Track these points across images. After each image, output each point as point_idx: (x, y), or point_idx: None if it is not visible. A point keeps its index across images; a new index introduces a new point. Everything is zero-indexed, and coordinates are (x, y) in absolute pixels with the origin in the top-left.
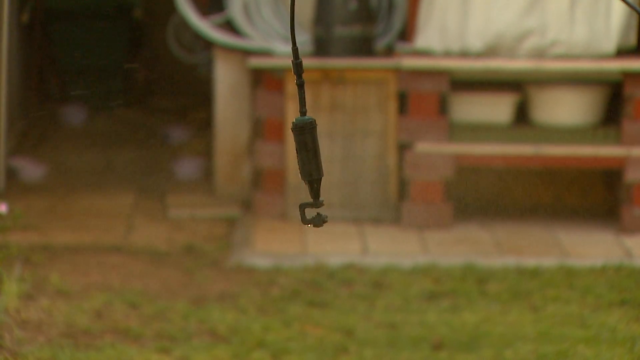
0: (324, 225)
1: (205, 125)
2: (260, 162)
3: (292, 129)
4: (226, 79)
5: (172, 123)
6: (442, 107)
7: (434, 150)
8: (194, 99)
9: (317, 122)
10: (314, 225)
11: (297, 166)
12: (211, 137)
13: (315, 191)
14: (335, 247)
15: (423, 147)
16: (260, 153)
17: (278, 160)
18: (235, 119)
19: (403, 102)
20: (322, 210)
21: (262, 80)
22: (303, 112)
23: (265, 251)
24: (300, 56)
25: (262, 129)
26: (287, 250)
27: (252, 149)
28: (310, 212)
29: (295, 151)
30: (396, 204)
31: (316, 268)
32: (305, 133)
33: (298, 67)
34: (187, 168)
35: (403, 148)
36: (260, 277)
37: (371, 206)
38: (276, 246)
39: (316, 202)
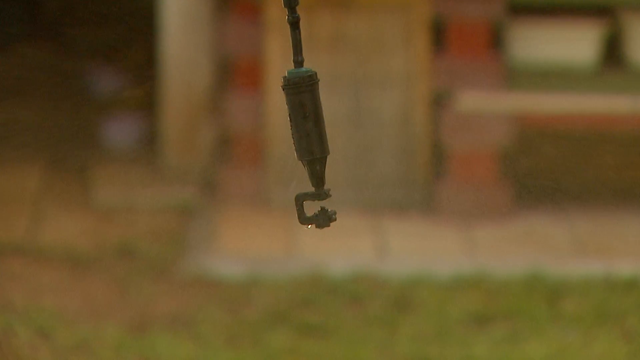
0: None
1: (146, 68)
2: (229, 123)
3: (284, 87)
4: (177, 1)
5: (97, 66)
6: (496, 43)
7: (484, 105)
8: (129, 30)
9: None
10: (317, 226)
11: (288, 135)
12: (155, 87)
13: (317, 176)
14: (339, 246)
15: (467, 101)
16: (229, 110)
17: (254, 121)
18: (191, 60)
19: (438, 35)
20: (329, 203)
21: (231, 3)
22: (299, 62)
23: (235, 254)
24: None
25: (230, 75)
26: (269, 251)
27: (216, 103)
28: (311, 206)
29: (288, 118)
30: (427, 184)
31: (311, 278)
32: (303, 92)
33: None
34: (120, 132)
35: (438, 103)
36: (228, 291)
37: (391, 187)
38: (252, 246)
39: (319, 192)
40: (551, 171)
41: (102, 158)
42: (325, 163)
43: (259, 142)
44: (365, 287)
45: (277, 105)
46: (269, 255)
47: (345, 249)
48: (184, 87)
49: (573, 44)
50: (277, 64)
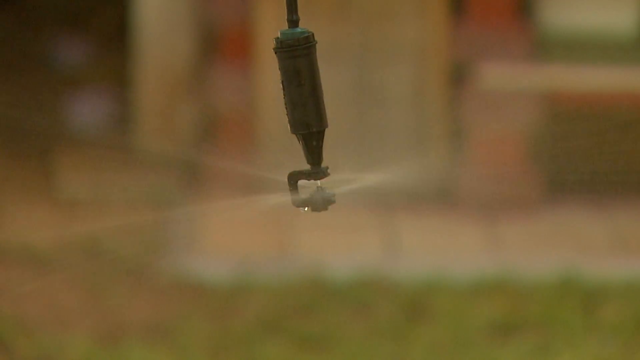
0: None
1: (117, 37)
2: (214, 101)
3: (277, 50)
4: None
5: (62, 34)
6: (525, 8)
7: (510, 81)
8: None
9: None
10: (313, 209)
11: (283, 114)
12: (127, 58)
13: (314, 153)
14: (342, 244)
15: (491, 76)
16: (213, 86)
17: (243, 98)
18: (170, 28)
19: None
20: (327, 184)
21: None
22: (294, 21)
23: (222, 253)
24: None
25: (215, 45)
26: (261, 250)
27: (199, 78)
28: (306, 187)
29: (281, 86)
30: (444, 171)
31: (310, 281)
32: (298, 56)
33: None
34: (87, 110)
35: (456, 78)
36: (213, 296)
37: (402, 176)
38: (241, 244)
39: (316, 170)
40: (588, 157)
41: (67, 141)
42: (323, 138)
43: (249, 123)
44: (372, 292)
45: (270, 80)
46: (261, 255)
47: (349, 247)
48: (162, 59)
49: (613, 9)
50: (270, 33)
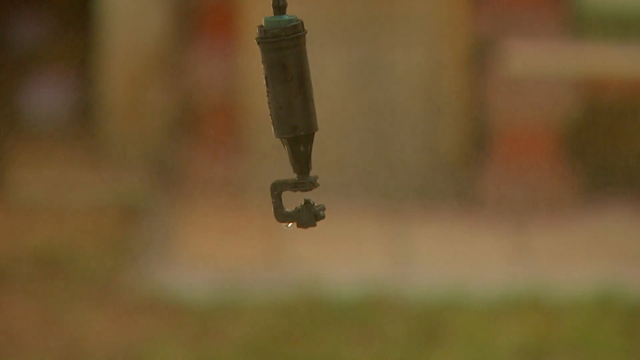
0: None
1: (78, 12)
2: (191, 88)
3: (259, 41)
4: None
5: (14, 10)
6: None
7: (541, 63)
8: None
9: (303, 16)
10: (299, 225)
11: (266, 107)
12: (91, 37)
13: (301, 160)
14: (343, 255)
15: (519, 57)
16: (191, 70)
17: (225, 84)
18: (141, 3)
19: None
20: (316, 196)
21: None
22: (280, 7)
23: (201, 265)
24: None
25: (193, 23)
26: (247, 262)
27: (174, 61)
28: (291, 199)
29: (264, 80)
30: (461, 171)
31: (305, 299)
32: (284, 48)
33: None
34: (44, 98)
35: (478, 60)
36: (191, 316)
37: (413, 175)
38: (224, 254)
39: (303, 179)
40: (631, 154)
41: (20, 135)
42: (312, 142)
43: (232, 113)
44: (379, 312)
45: (256, 63)
46: (248, 267)
47: (351, 259)
48: (131, 38)
49: None
50: (257, 9)
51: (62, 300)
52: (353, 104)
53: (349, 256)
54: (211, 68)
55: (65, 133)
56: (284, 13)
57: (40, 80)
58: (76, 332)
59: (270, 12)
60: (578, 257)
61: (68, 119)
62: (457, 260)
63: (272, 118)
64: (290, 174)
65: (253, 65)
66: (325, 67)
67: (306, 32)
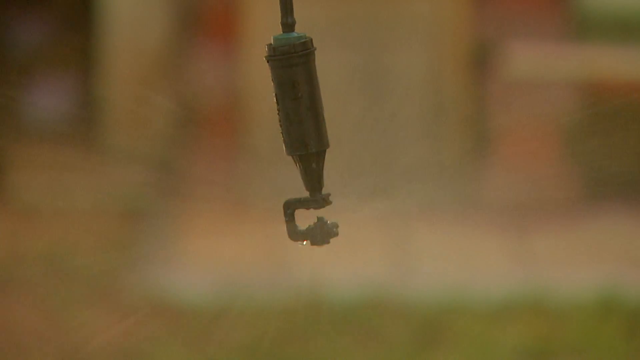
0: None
1: (80, 14)
2: (193, 91)
3: (269, 59)
4: None
5: (15, 11)
6: None
7: (543, 65)
8: None
9: (305, 19)
10: (313, 243)
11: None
12: (93, 39)
13: (313, 177)
14: (345, 258)
15: (520, 59)
16: (193, 72)
17: (227, 87)
18: (142, 5)
19: None
20: (328, 214)
21: None
22: (289, 25)
23: (202, 268)
24: None
25: (195, 25)
26: (248, 265)
27: (176, 62)
28: (304, 217)
29: (274, 98)
30: (463, 172)
31: (307, 302)
32: (294, 65)
33: None
34: (45, 101)
35: (479, 62)
36: (192, 319)
37: (415, 177)
38: (225, 257)
39: (315, 197)
40: (634, 155)
41: (22, 137)
42: (324, 160)
43: (234, 116)
44: (380, 315)
45: (258, 65)
46: (248, 270)
47: (353, 262)
48: (133, 41)
49: None
50: (259, 11)
51: (63, 303)
52: (354, 106)
53: (350, 258)
54: (213, 71)
55: (67, 135)
56: (292, 30)
57: (42, 83)
58: (78, 334)
59: (270, 14)
60: (580, 260)
61: (70, 121)
62: (459, 263)
63: (283, 135)
64: (290, 178)
65: (255, 69)
66: (327, 70)
67: (315, 49)
